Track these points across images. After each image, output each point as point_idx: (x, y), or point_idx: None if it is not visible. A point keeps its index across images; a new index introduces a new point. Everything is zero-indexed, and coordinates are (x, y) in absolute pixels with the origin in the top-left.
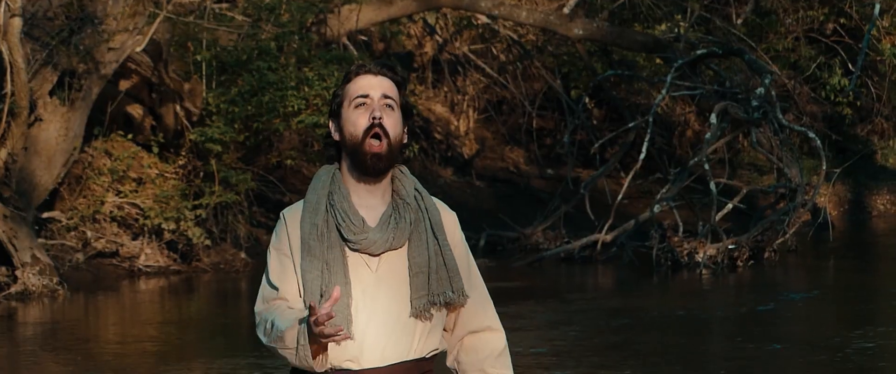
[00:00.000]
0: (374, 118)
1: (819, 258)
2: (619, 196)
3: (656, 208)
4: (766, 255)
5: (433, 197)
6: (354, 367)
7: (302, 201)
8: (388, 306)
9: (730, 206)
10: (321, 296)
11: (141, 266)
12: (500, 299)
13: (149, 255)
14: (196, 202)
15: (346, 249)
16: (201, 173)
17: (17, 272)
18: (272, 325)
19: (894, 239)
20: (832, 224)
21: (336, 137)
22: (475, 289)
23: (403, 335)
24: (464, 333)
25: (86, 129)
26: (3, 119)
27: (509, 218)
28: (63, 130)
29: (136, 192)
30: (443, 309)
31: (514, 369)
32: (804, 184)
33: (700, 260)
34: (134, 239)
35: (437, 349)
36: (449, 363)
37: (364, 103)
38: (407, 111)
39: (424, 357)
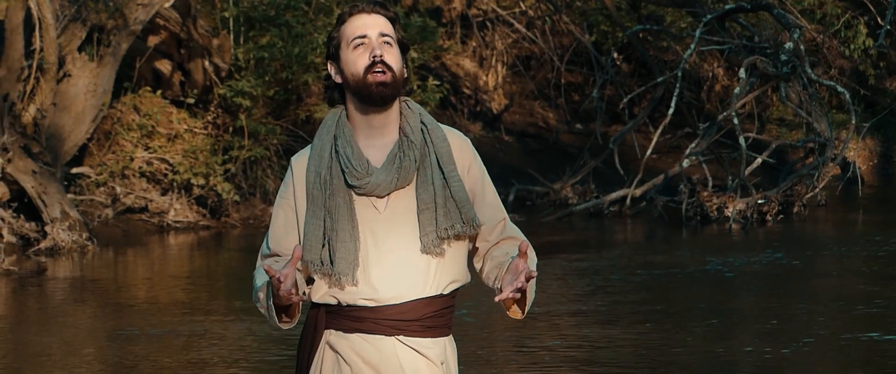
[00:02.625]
0: (374, 56)
1: (848, 212)
2: (649, 151)
3: (685, 163)
4: (796, 209)
5: (442, 125)
6: (371, 304)
7: (310, 146)
8: (398, 246)
9: (759, 160)
10: (324, 245)
11: (170, 222)
12: None
13: (178, 210)
14: (225, 157)
15: (353, 193)
16: (230, 128)
17: (47, 228)
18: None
19: None
20: (861, 178)
21: (338, 79)
22: (492, 210)
23: (417, 272)
24: (485, 250)
25: (115, 84)
26: (32, 75)
27: (538, 173)
28: (92, 86)
29: (165, 147)
30: (455, 242)
31: (543, 329)
32: (833, 138)
33: (729, 215)
34: (163, 194)
35: (456, 283)
36: (483, 279)
37: (362, 43)
38: (404, 46)
39: (442, 294)
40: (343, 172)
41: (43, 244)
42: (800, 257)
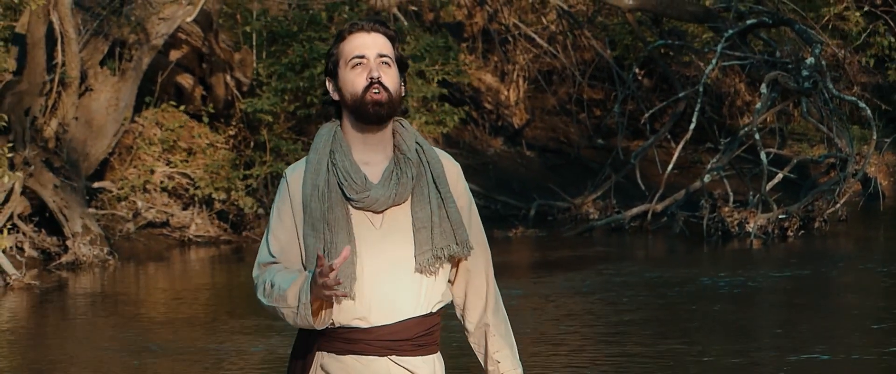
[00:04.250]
0: (372, 78)
1: (869, 228)
2: (670, 166)
3: (707, 178)
4: (817, 225)
5: (435, 148)
6: (363, 325)
7: (304, 158)
8: (393, 263)
9: (780, 176)
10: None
11: (191, 236)
12: (551, 268)
13: (199, 225)
14: (247, 172)
15: (350, 207)
16: (252, 143)
17: (68, 242)
18: (272, 285)
19: None
20: (883, 194)
21: (335, 96)
22: (476, 242)
23: (410, 290)
24: (464, 287)
25: (136, 99)
26: (54, 89)
27: (559, 188)
28: (113, 100)
29: (187, 162)
30: (447, 263)
31: (561, 343)
32: (854, 154)
33: (750, 230)
34: (184, 209)
35: (442, 302)
36: (458, 314)
37: (361, 63)
38: (402, 64)
39: (431, 312)
40: (341, 185)
41: (64, 259)
42: (820, 273)
